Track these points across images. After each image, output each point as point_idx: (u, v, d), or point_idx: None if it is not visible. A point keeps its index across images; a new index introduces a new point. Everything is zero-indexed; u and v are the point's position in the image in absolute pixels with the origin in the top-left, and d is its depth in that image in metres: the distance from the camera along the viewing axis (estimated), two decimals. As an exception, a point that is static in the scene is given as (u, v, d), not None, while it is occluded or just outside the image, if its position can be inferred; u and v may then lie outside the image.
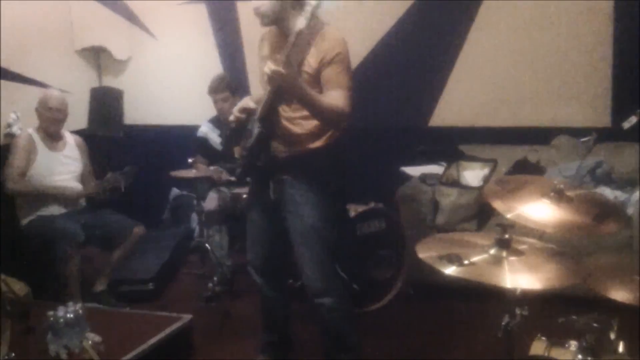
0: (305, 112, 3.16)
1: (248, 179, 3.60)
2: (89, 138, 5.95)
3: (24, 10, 5.40)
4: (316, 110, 3.10)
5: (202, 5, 5.87)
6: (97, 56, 6.28)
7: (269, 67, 2.93)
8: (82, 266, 4.84)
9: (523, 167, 4.52)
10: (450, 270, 2.00)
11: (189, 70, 5.94)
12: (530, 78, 4.99)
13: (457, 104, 5.24)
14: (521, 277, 2.03)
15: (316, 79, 3.14)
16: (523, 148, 4.82)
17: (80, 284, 4.60)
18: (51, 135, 4.72)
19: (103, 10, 6.03)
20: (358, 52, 5.26)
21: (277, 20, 3.20)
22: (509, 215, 2.29)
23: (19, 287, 4.46)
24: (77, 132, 5.81)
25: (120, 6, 6.08)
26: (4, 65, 5.27)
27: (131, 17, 6.10)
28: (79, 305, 3.51)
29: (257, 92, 3.48)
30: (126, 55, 6.20)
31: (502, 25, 5.02)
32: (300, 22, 2.92)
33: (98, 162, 5.67)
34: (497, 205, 2.36)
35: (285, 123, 3.23)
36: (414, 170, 4.84)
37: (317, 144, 3.24)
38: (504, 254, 2.10)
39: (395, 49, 5.29)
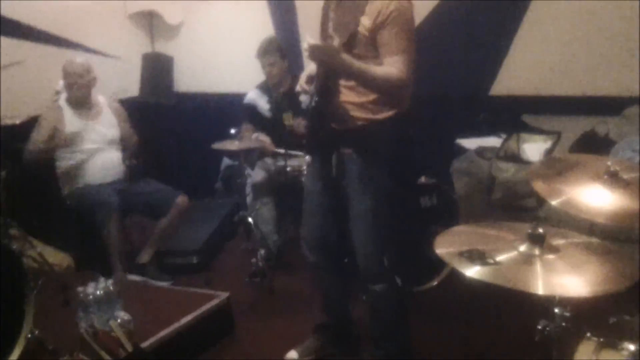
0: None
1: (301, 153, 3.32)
2: (141, 105, 5.91)
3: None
4: (368, 82, 2.84)
5: (255, -32, 5.64)
6: (149, 21, 6.14)
7: (307, 41, 2.69)
8: (130, 236, 4.82)
9: (590, 141, 4.17)
10: (472, 271, 1.71)
11: (241, 35, 5.74)
12: (602, 42, 4.56)
13: (521, 71, 4.86)
14: (557, 281, 1.71)
15: (373, 42, 2.83)
16: (591, 119, 4.44)
17: (128, 254, 4.55)
18: (80, 102, 4.56)
19: (155, -27, 5.89)
20: (416, 12, 4.92)
21: None
22: (554, 202, 1.99)
23: (60, 259, 4.46)
24: (129, 100, 5.78)
25: (173, -31, 5.92)
26: (53, 31, 5.18)
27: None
28: (109, 282, 3.42)
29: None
30: (178, 20, 6.05)
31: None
32: None
33: (149, 131, 5.60)
34: (541, 189, 2.07)
35: (345, 92, 2.94)
36: (470, 143, 4.52)
37: (382, 115, 2.94)
38: (537, 251, 1.78)
39: (455, 10, 4.94)
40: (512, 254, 1.81)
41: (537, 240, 1.80)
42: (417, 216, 4.15)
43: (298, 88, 3.09)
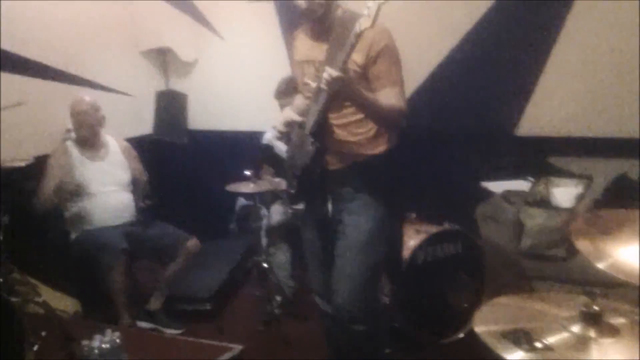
0: (358, 117, 2.88)
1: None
2: (154, 143, 5.77)
3: (87, 10, 5.16)
4: (375, 112, 2.82)
5: (271, 4, 5.49)
6: (162, 58, 6.01)
7: (329, 73, 2.61)
8: (139, 280, 4.64)
9: (622, 185, 3.95)
10: (517, 356, 1.49)
11: (256, 73, 5.59)
12: (633, 81, 4.36)
13: (548, 111, 4.66)
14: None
15: (364, 77, 2.84)
16: (622, 162, 4.22)
17: (137, 299, 4.38)
18: (89, 143, 4.41)
19: (169, 9, 5.74)
20: (438, 50, 4.83)
21: (322, 16, 2.88)
22: (601, 265, 1.78)
23: (67, 304, 4.28)
24: (143, 137, 5.64)
25: (187, 5, 5.77)
26: (61, 67, 5.05)
27: (198, 16, 5.79)
28: (116, 334, 3.23)
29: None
30: (192, 57, 5.91)
31: (599, 22, 4.40)
32: (363, 21, 2.56)
33: (162, 169, 5.45)
34: (585, 249, 1.86)
35: (338, 131, 2.93)
36: (496, 186, 4.30)
37: (376, 150, 2.95)
38: (592, 333, 1.56)
39: (478, 48, 4.76)
40: (562, 336, 1.60)
41: (592, 319, 1.57)
42: (437, 264, 3.96)
43: (275, 133, 3.06)
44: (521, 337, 1.50)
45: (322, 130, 2.90)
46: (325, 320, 3.30)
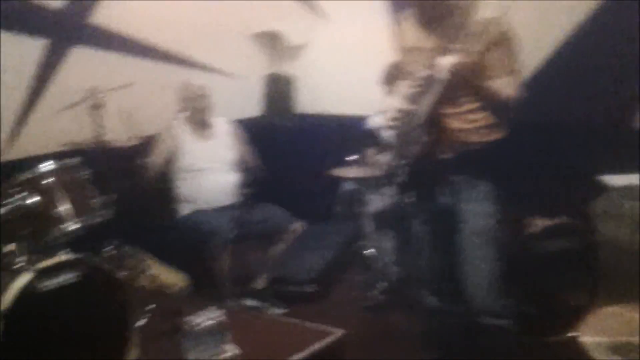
0: (472, 106, 2.84)
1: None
2: (261, 126, 5.82)
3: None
4: (489, 101, 2.81)
5: (381, -13, 5.42)
6: (271, 41, 6.04)
7: (446, 61, 2.61)
8: (246, 260, 4.69)
9: None
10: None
11: (365, 56, 5.51)
12: None
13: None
14: None
15: (479, 65, 2.77)
16: None
17: (243, 279, 4.45)
18: (197, 124, 4.49)
19: (279, -8, 5.78)
20: (554, 37, 4.63)
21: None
22: None
23: (176, 279, 4.37)
24: (251, 120, 5.70)
25: (297, -12, 5.80)
26: (172, 49, 5.17)
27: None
28: (220, 312, 3.27)
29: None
30: (301, 40, 5.91)
31: None
32: (482, 9, 2.59)
33: (268, 151, 5.48)
34: None
35: (450, 120, 2.88)
36: (615, 180, 4.07)
37: (489, 138, 2.91)
38: None
39: (598, 35, 4.52)
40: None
41: None
42: (549, 259, 3.77)
43: (385, 123, 2.96)
44: (633, 353, 1.35)
45: (433, 119, 2.84)
46: (431, 317, 3.20)
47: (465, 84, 2.72)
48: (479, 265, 2.90)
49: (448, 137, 2.88)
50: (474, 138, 2.88)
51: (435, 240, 3.07)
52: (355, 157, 4.31)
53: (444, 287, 3.12)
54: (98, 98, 3.62)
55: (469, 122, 2.87)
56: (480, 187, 2.89)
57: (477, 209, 2.89)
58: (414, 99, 2.89)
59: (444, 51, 2.66)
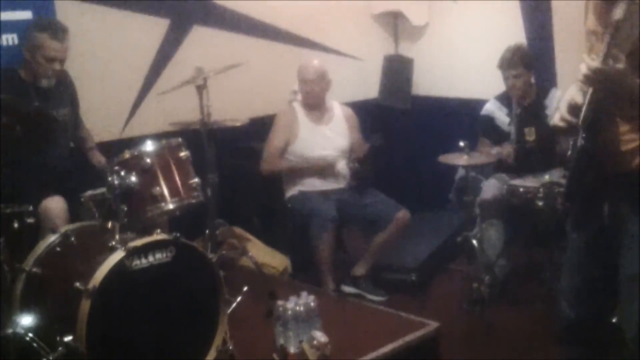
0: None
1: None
2: (379, 108, 5.76)
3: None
4: None
5: (511, -32, 5.17)
6: (393, 21, 5.93)
7: (586, 63, 2.19)
8: (347, 246, 4.69)
9: None
10: None
11: (488, 39, 5.30)
12: None
13: None
14: None
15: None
16: None
17: (344, 264, 4.45)
18: (314, 107, 4.48)
19: (403, -28, 5.66)
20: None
21: None
22: None
23: (278, 261, 4.43)
24: (368, 101, 5.65)
25: (421, -32, 5.65)
26: (291, 29, 5.18)
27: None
28: (311, 298, 3.30)
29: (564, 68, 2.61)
30: (423, 21, 5.77)
31: None
32: (624, 4, 2.12)
33: (385, 134, 5.41)
34: None
35: (624, 130, 2.38)
36: None
37: None
38: None
39: None
40: None
41: None
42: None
43: (557, 121, 2.58)
44: None
45: (599, 127, 2.38)
46: (566, 329, 2.97)
47: (614, 91, 2.24)
48: (631, 299, 2.46)
49: (617, 149, 2.38)
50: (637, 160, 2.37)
51: (586, 257, 2.67)
52: (466, 142, 4.13)
53: (594, 303, 2.73)
54: (206, 77, 3.67)
55: (629, 135, 2.36)
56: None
57: (632, 243, 2.40)
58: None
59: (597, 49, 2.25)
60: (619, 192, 2.44)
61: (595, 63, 2.17)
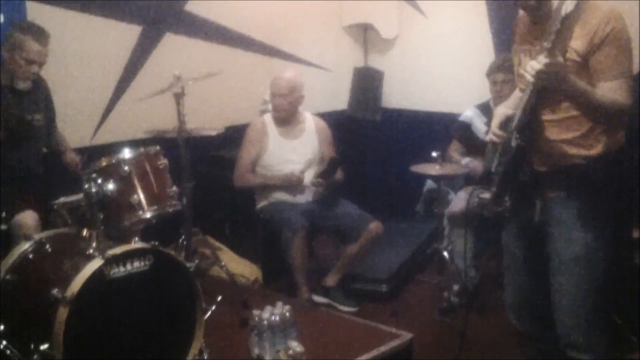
0: (573, 113, 2.56)
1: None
2: (348, 119, 5.80)
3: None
4: (593, 109, 2.52)
5: (477, -17, 5.26)
6: (363, 34, 5.98)
7: (532, 66, 2.38)
8: (318, 255, 4.70)
9: None
10: None
11: (457, 53, 5.40)
12: None
13: None
14: None
15: (584, 68, 2.51)
16: None
17: (315, 273, 4.45)
18: (284, 120, 4.48)
19: (373, -16, 5.71)
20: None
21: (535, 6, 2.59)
22: None
23: (249, 271, 4.42)
24: (337, 113, 5.67)
25: (391, -19, 5.71)
26: (263, 39, 5.19)
27: (402, -7, 5.71)
28: (286, 308, 3.30)
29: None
30: (393, 34, 5.82)
31: None
32: (567, 5, 2.30)
33: (352, 146, 5.45)
34: None
35: (548, 128, 2.62)
36: None
37: (596, 151, 2.60)
38: None
39: None
40: None
41: None
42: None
43: (490, 136, 2.74)
44: None
45: (530, 126, 2.60)
46: (523, 340, 3.07)
47: (559, 89, 2.48)
48: (568, 294, 2.67)
49: (547, 147, 2.63)
50: (573, 150, 2.60)
51: (525, 258, 2.84)
52: (436, 153, 4.19)
53: (531, 310, 2.90)
54: (183, 86, 3.65)
55: (568, 132, 2.59)
56: (573, 208, 2.62)
57: (571, 234, 2.62)
58: (517, 105, 2.67)
59: (541, 51, 2.43)
60: (553, 184, 2.64)
61: (539, 65, 2.34)
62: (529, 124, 2.59)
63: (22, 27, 3.69)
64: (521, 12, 2.78)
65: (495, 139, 2.71)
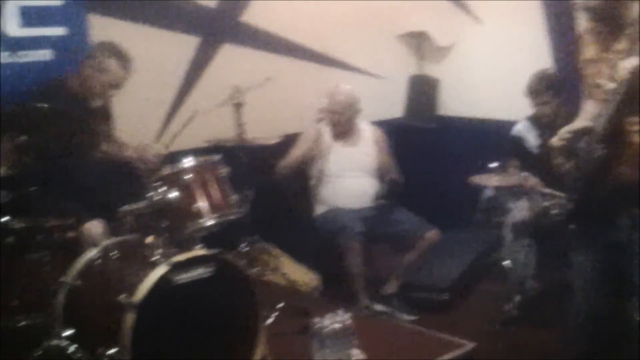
0: None
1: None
2: (403, 127, 5.76)
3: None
4: None
5: (536, -10, 5.18)
6: (418, 42, 5.95)
7: (631, 62, 2.29)
8: (377, 263, 4.67)
9: None
10: None
11: (514, 61, 5.31)
12: None
13: None
14: None
15: None
16: None
17: (374, 282, 4.44)
18: (343, 131, 4.49)
19: (428, -8, 5.68)
20: None
21: (607, 14, 2.53)
22: None
23: (308, 278, 4.42)
24: (392, 121, 5.65)
25: (447, -11, 5.68)
26: (315, 47, 5.20)
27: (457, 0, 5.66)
28: (347, 315, 3.27)
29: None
30: (448, 42, 5.79)
31: None
32: None
33: (410, 153, 5.41)
34: None
35: (636, 138, 2.46)
36: None
37: None
38: None
39: None
40: None
41: None
42: None
43: (555, 140, 2.66)
44: None
45: (615, 136, 2.47)
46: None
47: None
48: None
49: (634, 158, 2.46)
50: None
51: (602, 280, 2.70)
52: (494, 164, 4.12)
53: (603, 333, 2.77)
54: (242, 95, 3.67)
55: None
56: None
57: None
58: (597, 115, 2.55)
59: (627, 55, 2.37)
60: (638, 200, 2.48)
61: (634, 62, 2.27)
62: (613, 134, 2.46)
63: (107, 48, 3.68)
64: (584, 26, 2.70)
65: (558, 143, 2.64)
